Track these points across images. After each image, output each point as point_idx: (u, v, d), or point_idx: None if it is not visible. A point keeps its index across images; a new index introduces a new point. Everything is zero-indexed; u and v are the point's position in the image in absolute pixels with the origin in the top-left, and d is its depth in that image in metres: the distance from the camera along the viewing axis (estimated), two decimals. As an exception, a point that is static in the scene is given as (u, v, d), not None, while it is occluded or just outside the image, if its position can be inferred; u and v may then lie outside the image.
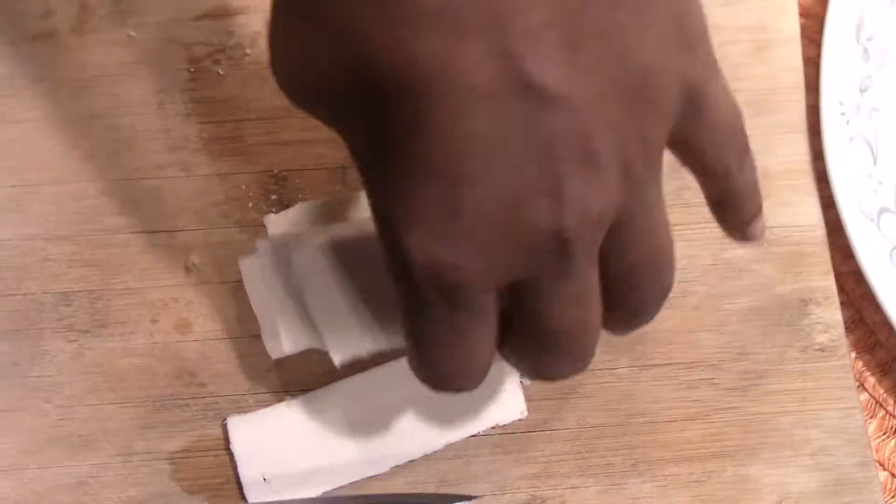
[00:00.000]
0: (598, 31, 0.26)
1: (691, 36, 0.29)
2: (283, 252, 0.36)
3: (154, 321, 0.40)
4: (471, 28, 0.25)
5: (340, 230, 0.36)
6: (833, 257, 0.42)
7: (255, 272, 0.37)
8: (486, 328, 0.30)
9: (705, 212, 0.42)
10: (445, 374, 0.31)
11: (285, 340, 0.36)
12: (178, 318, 0.40)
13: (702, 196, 0.42)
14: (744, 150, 0.32)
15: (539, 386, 0.40)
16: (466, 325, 0.29)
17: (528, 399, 0.39)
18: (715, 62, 0.30)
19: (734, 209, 0.34)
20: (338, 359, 0.36)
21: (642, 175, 0.28)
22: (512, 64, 0.25)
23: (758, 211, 0.34)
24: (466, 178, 0.26)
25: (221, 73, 0.43)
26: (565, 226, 0.27)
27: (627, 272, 0.30)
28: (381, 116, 0.27)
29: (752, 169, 0.33)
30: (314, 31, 0.27)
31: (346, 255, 0.36)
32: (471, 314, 0.29)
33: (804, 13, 0.46)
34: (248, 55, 0.43)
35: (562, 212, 0.27)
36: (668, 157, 0.43)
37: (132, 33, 0.43)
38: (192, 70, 0.43)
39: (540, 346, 0.30)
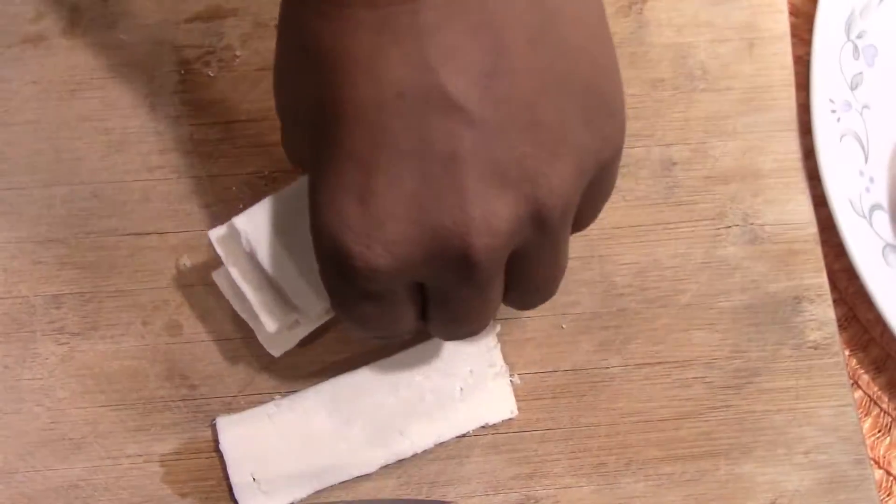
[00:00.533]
0: (515, 69, 0.28)
1: (615, 104, 0.31)
2: (233, 231, 0.35)
3: (145, 323, 0.40)
4: (394, 33, 0.27)
5: (283, 191, 0.35)
6: (826, 255, 0.42)
7: (224, 274, 0.37)
8: (397, 312, 0.31)
9: (697, 210, 0.42)
10: (366, 338, 0.33)
11: (266, 320, 0.35)
12: (168, 320, 0.40)
13: (694, 194, 0.43)
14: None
15: (531, 386, 0.40)
16: (373, 310, 0.31)
17: (518, 398, 0.39)
18: (624, 135, 0.32)
19: None
20: (314, 314, 0.36)
21: (557, 223, 0.29)
22: (428, 73, 0.27)
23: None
24: (379, 169, 0.28)
25: (212, 75, 0.43)
26: (471, 242, 0.28)
27: (519, 287, 0.32)
28: (317, 106, 0.29)
29: None
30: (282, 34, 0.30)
31: (292, 212, 0.34)
32: (378, 301, 0.30)
33: (794, 12, 0.46)
34: (238, 57, 0.43)
35: (468, 227, 0.28)
36: (659, 156, 0.43)
37: (122, 36, 0.43)
38: (182, 72, 0.43)
39: (445, 326, 0.32)
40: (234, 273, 0.35)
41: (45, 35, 0.43)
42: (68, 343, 0.40)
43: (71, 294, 0.40)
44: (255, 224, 0.35)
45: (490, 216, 0.28)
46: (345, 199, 0.28)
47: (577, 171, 0.29)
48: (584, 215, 0.32)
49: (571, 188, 0.29)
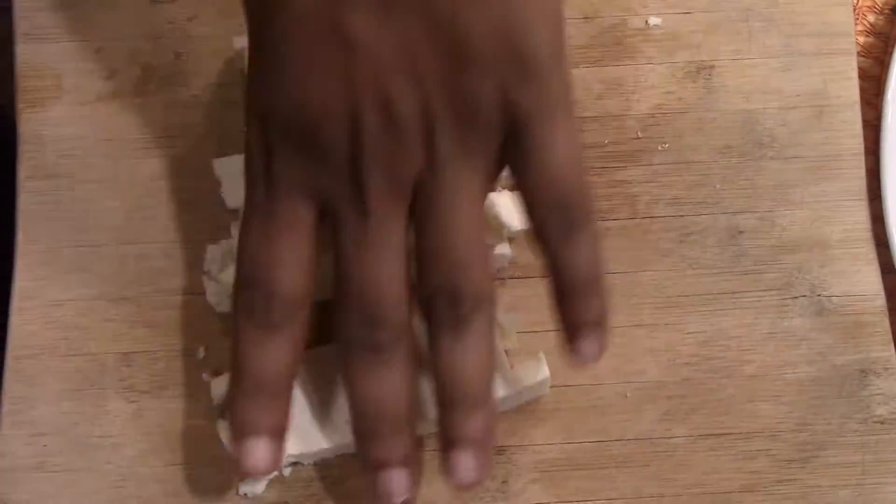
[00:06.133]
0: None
1: (530, 55, 0.31)
2: None
3: (213, 383, 0.40)
4: None
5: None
6: (893, 324, 0.42)
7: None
8: (299, 232, 0.33)
9: (764, 279, 0.42)
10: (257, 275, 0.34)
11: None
12: (237, 381, 0.40)
13: (760, 263, 0.42)
14: (572, 224, 0.33)
15: (594, 454, 0.40)
16: (281, 219, 0.33)
17: (581, 467, 0.39)
18: (556, 105, 0.32)
19: (563, 298, 0.34)
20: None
21: (444, 148, 0.31)
22: (333, 9, 0.30)
23: (591, 318, 0.34)
24: (286, 72, 0.31)
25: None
26: (358, 151, 0.31)
27: (422, 251, 0.33)
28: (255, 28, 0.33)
29: (589, 256, 0.33)
30: None
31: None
32: (285, 211, 0.33)
33: (862, 75, 0.45)
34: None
35: (357, 137, 0.31)
36: (726, 224, 0.43)
37: (194, 94, 0.43)
38: (252, 132, 0.43)
39: (339, 292, 0.34)
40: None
41: (118, 93, 0.43)
42: (138, 401, 0.40)
43: (141, 352, 0.41)
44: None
45: (376, 132, 0.31)
46: (258, 92, 0.33)
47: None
48: (530, 199, 0.33)
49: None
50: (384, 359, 0.33)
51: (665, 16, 0.44)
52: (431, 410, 0.35)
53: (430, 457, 0.39)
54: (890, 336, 0.41)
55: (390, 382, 0.34)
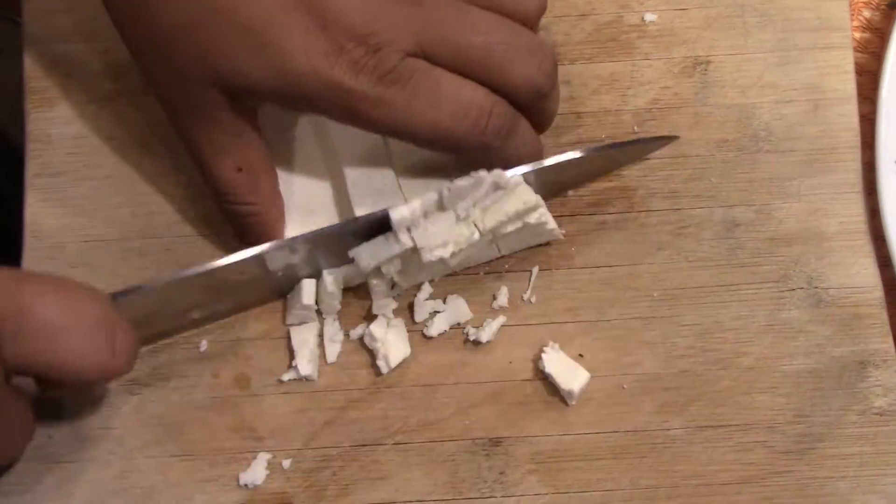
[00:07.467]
0: None
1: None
2: None
3: (215, 375, 0.41)
4: None
5: None
6: (891, 317, 0.42)
7: None
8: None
9: (761, 272, 0.42)
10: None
11: None
12: (238, 373, 0.41)
13: (757, 256, 0.42)
14: None
15: (592, 445, 0.40)
16: None
17: (579, 457, 0.40)
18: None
19: None
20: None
21: None
22: None
23: None
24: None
25: (282, 132, 0.44)
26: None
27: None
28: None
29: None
30: None
31: None
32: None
33: (858, 70, 0.45)
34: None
35: None
36: (722, 217, 0.43)
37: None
38: (254, 129, 0.44)
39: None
40: None
41: (122, 92, 0.44)
42: (140, 393, 0.41)
43: (144, 346, 0.41)
44: None
45: None
46: None
47: None
48: None
49: None
50: None
51: (661, 12, 0.44)
52: None
53: (428, 449, 0.40)
54: (888, 328, 0.41)
55: None
